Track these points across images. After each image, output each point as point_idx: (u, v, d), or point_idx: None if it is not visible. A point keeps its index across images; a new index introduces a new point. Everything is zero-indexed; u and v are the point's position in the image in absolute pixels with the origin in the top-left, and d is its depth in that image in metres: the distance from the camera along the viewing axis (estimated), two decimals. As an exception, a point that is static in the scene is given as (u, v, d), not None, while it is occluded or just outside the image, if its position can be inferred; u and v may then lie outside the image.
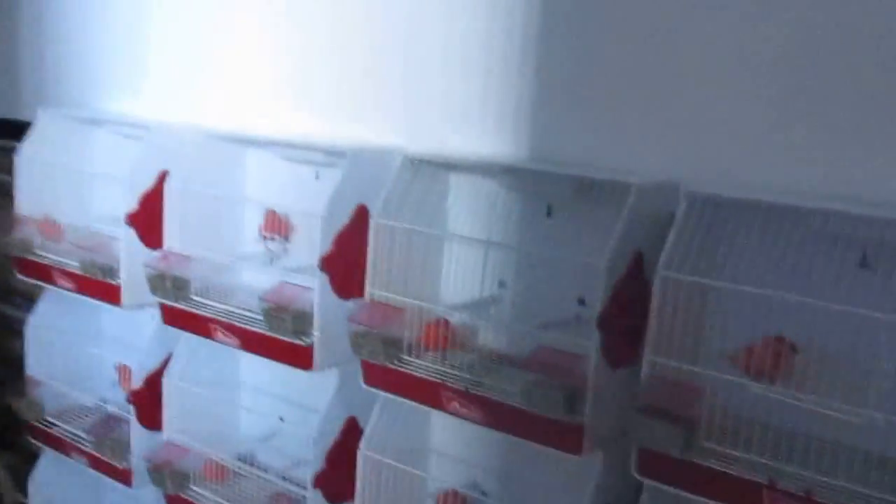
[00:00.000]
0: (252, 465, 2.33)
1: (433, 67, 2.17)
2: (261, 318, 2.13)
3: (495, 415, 1.77)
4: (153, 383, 2.51)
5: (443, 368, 1.87)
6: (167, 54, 2.73)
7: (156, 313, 2.43)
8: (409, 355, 1.91)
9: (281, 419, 2.46)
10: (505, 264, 1.92)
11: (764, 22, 1.70)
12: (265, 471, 2.30)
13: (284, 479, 2.24)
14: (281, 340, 2.08)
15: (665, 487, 1.58)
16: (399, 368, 1.89)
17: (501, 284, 1.98)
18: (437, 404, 1.85)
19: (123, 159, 2.50)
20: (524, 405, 1.67)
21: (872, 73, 1.59)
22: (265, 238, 2.29)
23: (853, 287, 1.45)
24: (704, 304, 1.58)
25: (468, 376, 1.83)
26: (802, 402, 1.48)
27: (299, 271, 2.14)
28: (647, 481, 1.61)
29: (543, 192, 1.82)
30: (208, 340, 2.28)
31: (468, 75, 2.10)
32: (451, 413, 1.83)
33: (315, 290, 2.02)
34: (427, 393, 1.86)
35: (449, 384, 1.81)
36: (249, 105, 2.52)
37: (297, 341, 2.05)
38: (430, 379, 1.84)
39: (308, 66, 2.40)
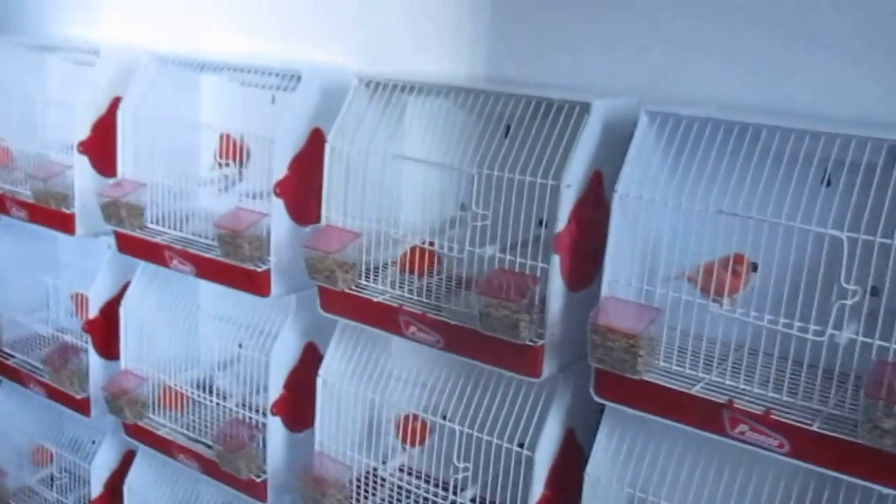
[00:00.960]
0: (211, 392, 2.27)
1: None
2: (216, 244, 2.06)
3: (454, 339, 1.72)
4: (109, 312, 2.44)
5: (400, 293, 1.82)
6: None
7: (111, 241, 2.36)
8: (367, 280, 1.86)
9: (239, 346, 2.39)
10: (465, 186, 1.86)
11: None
12: (224, 398, 2.24)
13: (243, 405, 2.18)
14: (236, 267, 2.01)
15: (623, 408, 1.54)
16: (356, 293, 1.83)
17: (462, 207, 1.92)
18: (395, 329, 1.80)
19: (76, 85, 2.40)
20: (482, 328, 1.62)
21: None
22: (220, 164, 2.20)
23: (814, 206, 1.40)
24: (663, 223, 1.53)
25: (427, 300, 1.78)
26: (760, 321, 1.45)
27: (255, 197, 2.07)
28: (604, 402, 1.56)
29: (501, 113, 1.75)
30: (164, 268, 2.21)
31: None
32: (410, 338, 1.78)
33: (271, 215, 1.96)
34: (385, 318, 1.81)
35: (407, 308, 1.76)
36: (203, 28, 2.42)
37: (253, 267, 1.98)
38: (388, 304, 1.79)
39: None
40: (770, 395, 1.44)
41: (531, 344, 1.61)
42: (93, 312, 2.46)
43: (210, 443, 2.21)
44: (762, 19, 1.63)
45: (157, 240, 2.17)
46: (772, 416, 1.39)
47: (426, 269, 1.84)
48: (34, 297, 2.76)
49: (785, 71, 1.62)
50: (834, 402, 1.40)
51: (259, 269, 1.98)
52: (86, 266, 2.67)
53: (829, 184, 1.47)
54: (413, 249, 1.84)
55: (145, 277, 2.37)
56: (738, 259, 1.48)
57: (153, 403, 2.35)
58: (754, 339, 1.52)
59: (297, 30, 2.25)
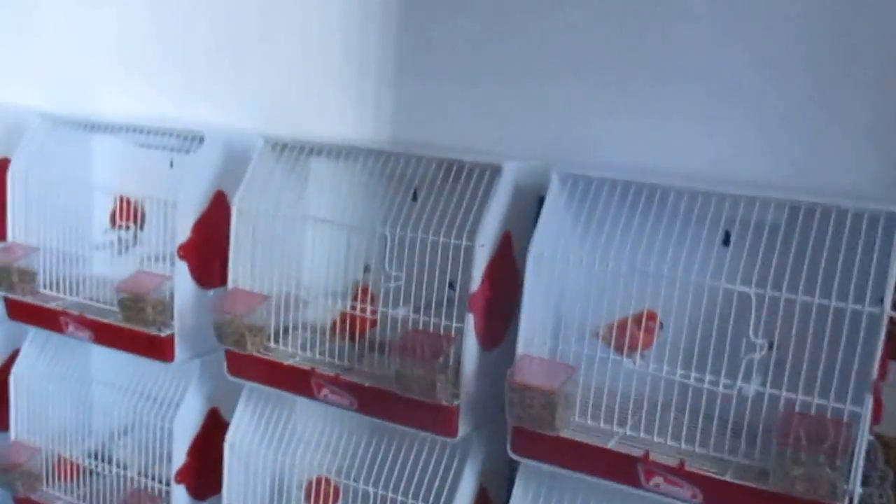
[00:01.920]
0: (108, 461, 2.20)
1: (291, 48, 2.10)
2: (115, 309, 2.02)
3: (368, 400, 1.72)
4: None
5: (311, 355, 1.81)
6: None
7: (-4, 308, 2.29)
8: (276, 343, 1.85)
9: (135, 413, 2.33)
10: (369, 248, 1.87)
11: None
12: (123, 467, 2.18)
13: (144, 475, 2.12)
14: (138, 332, 1.97)
15: (540, 464, 1.56)
16: (266, 357, 1.82)
17: (366, 269, 1.93)
18: (307, 392, 1.78)
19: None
20: (397, 389, 1.63)
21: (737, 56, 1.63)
22: (121, 226, 2.16)
23: (717, 263, 1.47)
24: (574, 282, 1.58)
25: (338, 362, 1.78)
26: (672, 375, 1.50)
27: (155, 260, 2.04)
28: (521, 459, 1.58)
29: (409, 176, 1.77)
30: (57, 335, 2.15)
31: (327, 57, 2.05)
32: (322, 400, 1.77)
33: (174, 278, 1.93)
34: (296, 381, 1.79)
35: (319, 371, 1.75)
36: (95, 88, 2.38)
37: (157, 332, 1.94)
38: (300, 366, 1.78)
39: (159, 43, 2.28)
40: (683, 447, 1.48)
41: (447, 404, 1.62)
42: (-23, 382, 2.35)
43: (109, 517, 2.14)
44: (664, 82, 1.70)
45: (52, 305, 2.10)
46: (685, 468, 1.43)
47: (357, 334, 1.82)
48: None
49: (686, 134, 1.69)
50: (743, 453, 1.46)
51: (162, 335, 1.94)
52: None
53: (727, 242, 1.54)
54: (345, 315, 1.82)
55: (36, 344, 2.29)
56: (650, 315, 1.53)
57: (46, 475, 2.26)
58: (665, 394, 1.56)
59: (196, 88, 2.24)
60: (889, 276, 1.32)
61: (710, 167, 1.65)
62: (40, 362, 2.30)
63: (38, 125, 2.18)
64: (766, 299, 1.39)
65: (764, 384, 1.42)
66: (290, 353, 1.83)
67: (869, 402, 1.34)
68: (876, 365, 1.33)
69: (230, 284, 1.86)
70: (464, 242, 1.61)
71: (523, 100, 1.85)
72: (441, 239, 1.64)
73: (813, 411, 1.38)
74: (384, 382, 1.68)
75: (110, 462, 2.20)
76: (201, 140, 1.95)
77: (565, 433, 1.52)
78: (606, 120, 1.77)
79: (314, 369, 1.76)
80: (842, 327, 1.34)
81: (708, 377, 1.46)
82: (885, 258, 1.33)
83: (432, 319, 1.67)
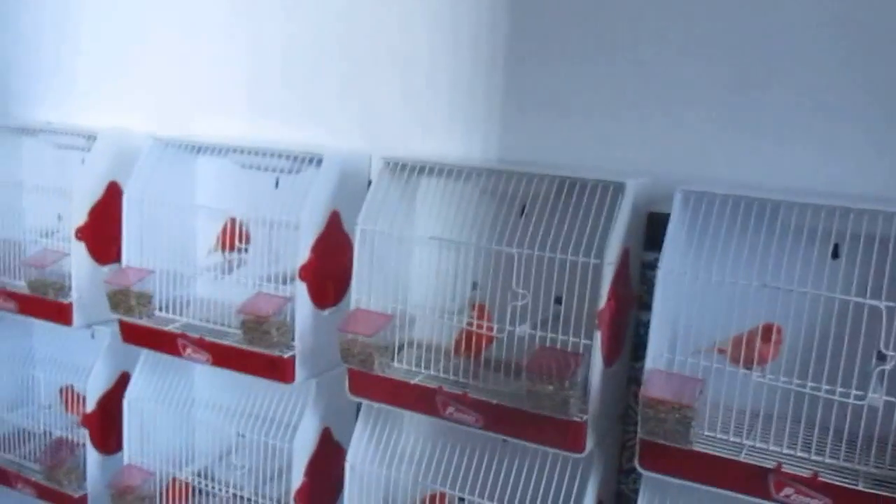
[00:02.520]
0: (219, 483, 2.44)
1: (395, 69, 2.33)
2: (231, 330, 2.24)
3: (493, 418, 1.92)
4: (106, 405, 2.59)
5: (435, 373, 2.02)
6: (95, 59, 2.82)
7: (95, 331, 2.56)
8: (399, 362, 2.06)
9: (241, 435, 2.55)
10: (475, 266, 2.08)
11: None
12: (237, 488, 2.40)
13: (258, 495, 2.34)
14: (258, 353, 2.19)
15: (671, 478, 1.75)
16: (391, 377, 2.03)
17: (474, 286, 2.14)
18: (431, 411, 1.99)
19: (61, 171, 2.60)
20: (529, 407, 1.83)
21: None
22: (239, 248, 2.39)
23: (831, 276, 1.67)
24: (696, 297, 1.77)
25: (462, 380, 1.98)
26: (802, 388, 1.69)
27: (266, 280, 2.26)
28: (651, 474, 1.78)
29: (516, 193, 1.98)
30: (166, 358, 2.40)
31: (433, 80, 2.28)
32: (447, 418, 1.97)
33: (296, 299, 2.15)
34: (421, 400, 2.00)
35: (447, 389, 1.96)
36: (196, 109, 2.63)
37: (280, 354, 2.16)
38: (426, 385, 1.99)
39: (260, 66, 2.54)
40: (813, 457, 1.67)
41: (577, 420, 1.82)
42: (90, 406, 2.60)
43: (222, 537, 2.38)
44: (774, 102, 1.90)
45: (169, 328, 2.34)
46: (820, 479, 1.61)
47: (478, 351, 2.02)
48: (14, 392, 2.88)
49: (797, 153, 1.89)
50: (874, 464, 1.64)
51: (285, 356, 2.16)
52: (64, 358, 2.82)
53: (836, 255, 1.74)
54: (468, 332, 2.01)
55: (147, 368, 2.53)
56: (777, 329, 1.72)
57: (159, 498, 2.50)
58: (789, 406, 1.75)
59: (303, 110, 2.48)
60: None
61: (820, 186, 1.84)
62: (150, 386, 2.53)
63: (151, 149, 2.41)
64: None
65: (892, 394, 1.60)
66: (412, 371, 2.04)
67: None
68: None
69: (353, 304, 2.07)
70: (591, 260, 1.81)
71: (630, 120, 2.06)
72: (565, 257, 1.84)
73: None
74: (510, 399, 1.89)
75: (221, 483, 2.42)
76: (319, 161, 2.17)
77: (696, 446, 1.70)
78: (712, 140, 1.98)
79: (441, 388, 1.96)
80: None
81: (840, 389, 1.65)
82: None
83: (559, 336, 1.87)
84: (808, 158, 1.89)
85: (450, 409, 1.97)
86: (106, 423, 2.60)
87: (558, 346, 1.88)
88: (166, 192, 2.41)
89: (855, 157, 1.84)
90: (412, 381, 2.01)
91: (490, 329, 1.99)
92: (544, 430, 1.87)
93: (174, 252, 2.43)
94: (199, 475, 2.52)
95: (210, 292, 2.48)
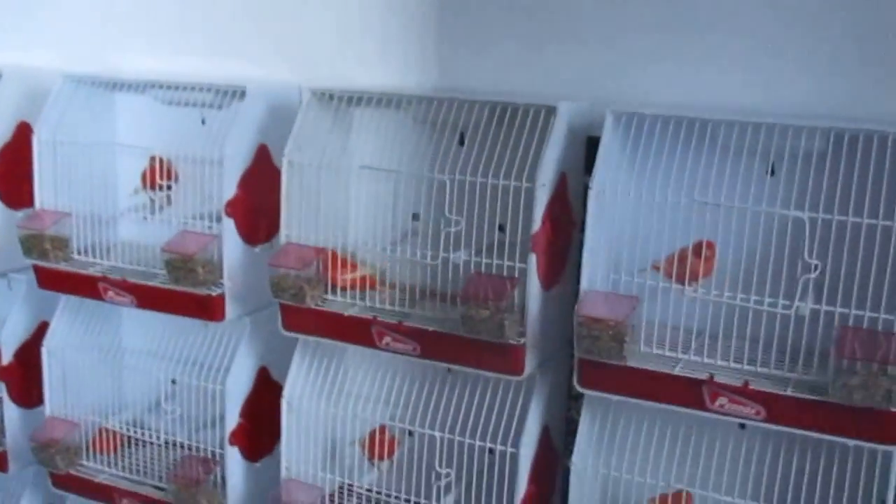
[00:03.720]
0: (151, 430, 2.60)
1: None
2: (156, 271, 2.40)
3: (431, 345, 2.11)
4: (25, 356, 2.73)
5: (370, 304, 2.20)
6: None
7: (18, 280, 2.68)
8: (333, 295, 2.24)
9: (173, 381, 2.70)
10: (417, 197, 2.26)
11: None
12: (169, 434, 2.57)
13: (194, 440, 2.51)
14: (185, 293, 2.35)
15: (608, 395, 1.97)
16: (325, 309, 2.21)
17: (415, 217, 2.33)
18: (367, 342, 2.18)
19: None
20: (465, 332, 2.02)
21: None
22: (161, 185, 2.52)
23: (770, 192, 1.90)
24: (628, 217, 1.97)
25: (399, 309, 2.17)
26: (733, 301, 1.90)
27: (193, 219, 2.42)
28: (590, 392, 1.98)
29: (455, 121, 2.14)
30: (87, 304, 2.56)
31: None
32: (383, 349, 2.16)
33: (223, 236, 2.31)
34: (356, 331, 2.18)
35: (381, 319, 2.14)
36: (112, 47, 2.76)
37: (207, 292, 2.33)
38: (361, 316, 2.17)
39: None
40: (745, 367, 1.89)
41: (514, 343, 2.02)
42: (6, 358, 2.73)
43: (158, 484, 2.55)
44: (704, 27, 2.11)
45: (89, 272, 2.48)
46: (749, 387, 1.83)
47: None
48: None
49: (727, 76, 2.10)
50: (801, 370, 1.86)
51: (213, 294, 2.33)
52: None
53: (772, 173, 1.96)
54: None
55: (66, 315, 2.67)
56: (708, 245, 1.93)
57: (86, 449, 2.66)
58: (724, 321, 1.98)
59: (226, 46, 2.63)
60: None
61: (752, 106, 2.04)
62: (72, 334, 2.68)
63: (62, 87, 2.54)
64: (819, 222, 1.79)
65: (819, 302, 1.82)
66: (347, 303, 2.22)
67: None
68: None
69: (283, 239, 2.24)
70: (524, 184, 2.00)
71: (565, 45, 2.25)
72: (500, 182, 2.02)
73: (865, 325, 1.79)
74: (447, 326, 2.08)
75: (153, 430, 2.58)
76: (243, 94, 2.32)
77: (632, 363, 1.91)
78: (649, 64, 2.17)
79: (376, 318, 2.15)
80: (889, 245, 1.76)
81: (767, 300, 1.87)
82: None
83: (495, 261, 2.06)
84: (736, 80, 2.10)
85: (386, 339, 2.15)
86: (25, 376, 2.73)
87: (494, 271, 2.06)
88: (82, 132, 2.54)
89: (780, 78, 2.05)
90: (346, 313, 2.18)
91: (433, 258, 2.16)
92: (483, 355, 2.06)
93: (92, 194, 2.57)
94: (128, 424, 2.67)
95: (134, 235, 2.63)
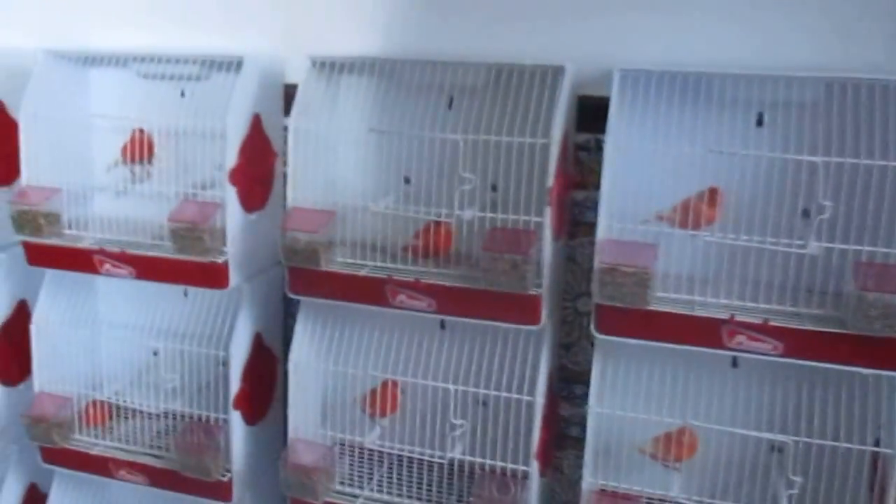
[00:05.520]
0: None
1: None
2: (154, 242, 2.36)
3: (447, 301, 2.12)
4: (7, 334, 2.65)
5: (382, 263, 2.21)
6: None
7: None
8: (343, 258, 2.23)
9: (155, 353, 2.66)
10: (407, 160, 2.27)
11: None
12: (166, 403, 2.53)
13: (194, 407, 2.48)
14: (188, 262, 2.31)
15: (629, 340, 2.01)
16: (339, 271, 2.20)
17: (406, 181, 2.34)
18: (381, 301, 2.18)
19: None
20: (486, 285, 2.04)
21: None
22: (128, 161, 2.47)
23: (768, 139, 1.98)
24: (644, 168, 2.02)
25: (413, 268, 2.18)
26: (743, 242, 1.96)
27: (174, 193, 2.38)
28: (610, 337, 2.03)
29: (445, 83, 2.20)
30: (63, 280, 2.53)
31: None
32: (398, 307, 2.16)
33: (226, 204, 2.28)
34: (370, 292, 2.18)
35: (396, 278, 2.15)
36: (87, 19, 2.69)
37: (213, 260, 2.29)
38: (375, 276, 2.17)
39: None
40: (761, 306, 1.95)
41: (534, 293, 2.05)
42: (-11, 336, 2.66)
43: (154, 452, 2.51)
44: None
45: (85, 246, 2.42)
46: (771, 324, 1.90)
47: (443, 246, 2.20)
48: None
49: (717, 29, 2.15)
50: (817, 305, 1.94)
51: (218, 261, 2.30)
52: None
53: (761, 123, 2.03)
54: (428, 227, 2.20)
55: (51, 291, 2.60)
56: (713, 191, 1.98)
57: (78, 422, 2.60)
58: (731, 265, 2.03)
59: (198, 18, 2.58)
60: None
61: (747, 60, 2.10)
62: (57, 309, 2.61)
63: (43, 62, 2.47)
64: (832, 166, 1.86)
65: (832, 240, 1.90)
66: (357, 264, 2.22)
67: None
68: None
69: (290, 203, 2.23)
70: (539, 140, 2.03)
71: (552, 11, 2.27)
72: (515, 139, 2.06)
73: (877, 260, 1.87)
74: (463, 281, 2.10)
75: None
76: (236, 65, 2.30)
77: (654, 306, 1.96)
78: (634, 23, 2.21)
79: (391, 276, 2.15)
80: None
81: (782, 240, 1.93)
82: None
83: (509, 216, 2.10)
84: (725, 34, 2.14)
85: (400, 297, 2.16)
86: (6, 353, 2.65)
87: (509, 226, 2.09)
88: (63, 107, 2.48)
89: (773, 32, 2.10)
90: (360, 273, 2.18)
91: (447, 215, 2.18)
92: (500, 307, 2.08)
93: (76, 169, 2.51)
94: (119, 395, 2.62)
95: (112, 209, 2.56)
